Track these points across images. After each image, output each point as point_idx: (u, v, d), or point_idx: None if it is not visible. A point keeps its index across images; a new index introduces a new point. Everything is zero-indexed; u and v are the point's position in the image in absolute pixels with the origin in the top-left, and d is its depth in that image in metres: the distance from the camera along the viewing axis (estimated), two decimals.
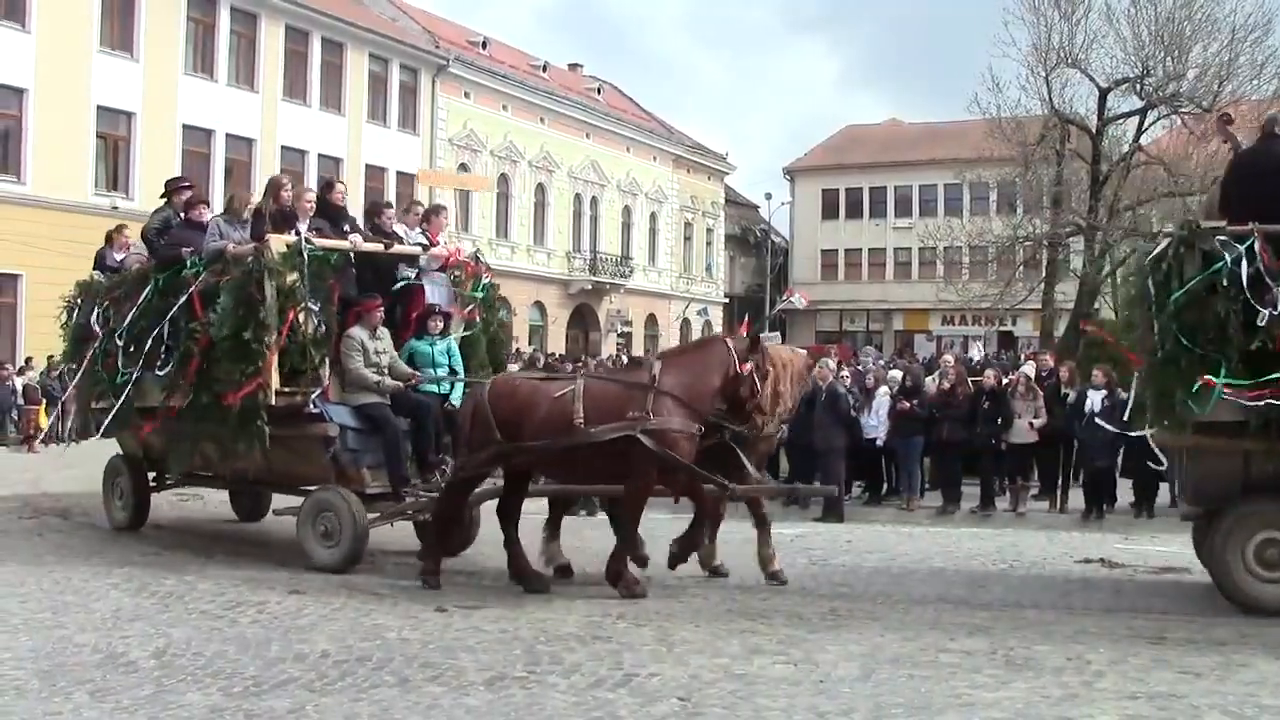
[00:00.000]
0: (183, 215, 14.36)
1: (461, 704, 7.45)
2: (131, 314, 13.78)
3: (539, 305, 55.31)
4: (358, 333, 12.63)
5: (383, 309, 12.96)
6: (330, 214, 13.59)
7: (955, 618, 10.02)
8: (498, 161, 52.44)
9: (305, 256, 12.48)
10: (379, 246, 13.39)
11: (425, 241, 13.91)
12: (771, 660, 8.55)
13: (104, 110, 36.39)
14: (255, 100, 41.32)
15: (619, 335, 59.64)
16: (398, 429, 12.56)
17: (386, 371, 12.65)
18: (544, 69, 58.12)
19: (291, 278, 12.34)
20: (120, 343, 13.87)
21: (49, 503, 17.73)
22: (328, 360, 12.62)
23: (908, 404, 19.79)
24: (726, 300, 70.72)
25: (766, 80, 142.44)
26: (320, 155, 43.62)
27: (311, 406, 12.42)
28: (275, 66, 42.04)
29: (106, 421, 14.26)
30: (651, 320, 63.95)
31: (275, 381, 12.28)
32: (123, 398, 13.76)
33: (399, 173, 46.93)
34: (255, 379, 12.11)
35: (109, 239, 16.16)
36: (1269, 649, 8.84)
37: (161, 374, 13.20)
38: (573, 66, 64.59)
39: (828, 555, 13.43)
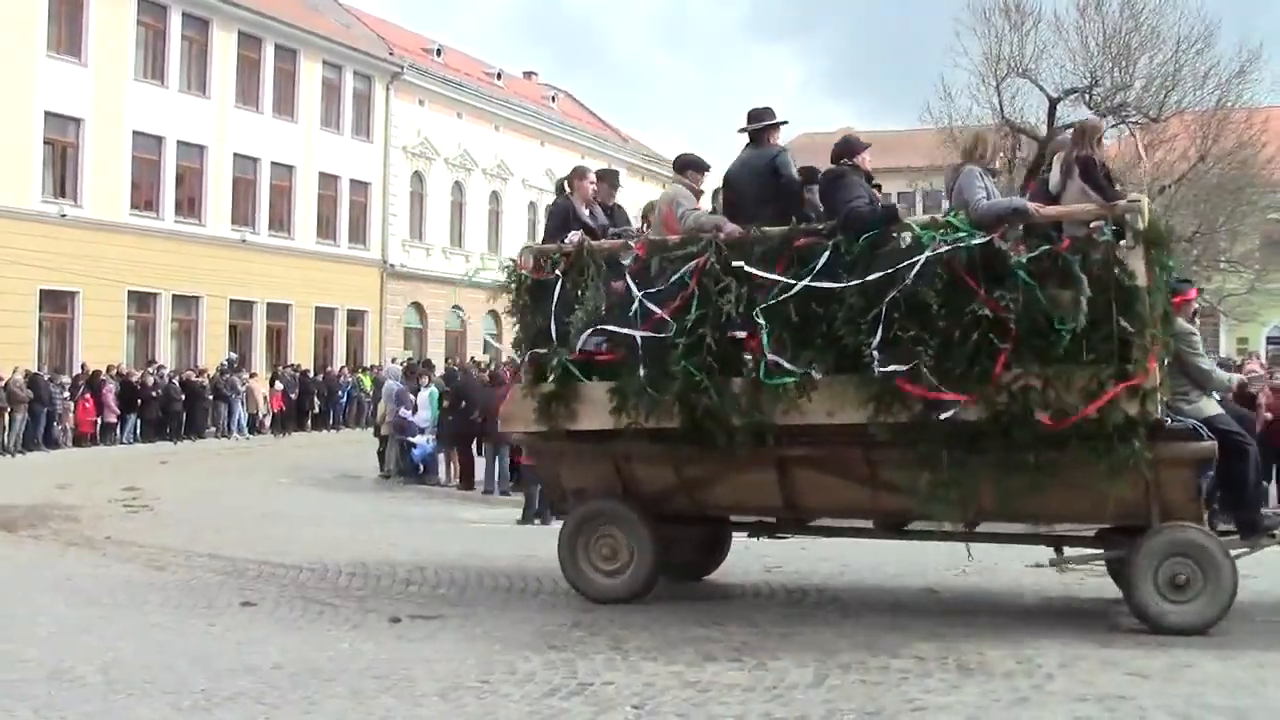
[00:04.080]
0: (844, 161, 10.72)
1: (415, 715, 7.45)
2: (775, 292, 10.02)
3: (493, 314, 55.10)
4: (1189, 325, 10.32)
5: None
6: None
7: (908, 623, 10.06)
8: (452, 169, 52.39)
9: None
10: None
11: None
12: (725, 667, 8.58)
13: (52, 116, 36.01)
14: (207, 107, 41.03)
15: None
16: (1257, 451, 10.19)
17: None
18: (498, 77, 58.07)
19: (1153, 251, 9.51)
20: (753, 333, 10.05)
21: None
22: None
23: None
24: None
25: (730, 88, 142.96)
26: (273, 163, 43.56)
27: (1170, 420, 9.73)
28: (227, 73, 41.81)
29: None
30: None
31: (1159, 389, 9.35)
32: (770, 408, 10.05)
33: (353, 180, 46.83)
34: (1129, 381, 9.15)
35: (563, 189, 12.37)
36: (1214, 649, 8.94)
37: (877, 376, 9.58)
38: (528, 74, 64.55)
39: (782, 562, 13.44)
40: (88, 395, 33.16)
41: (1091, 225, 9.63)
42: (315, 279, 44.57)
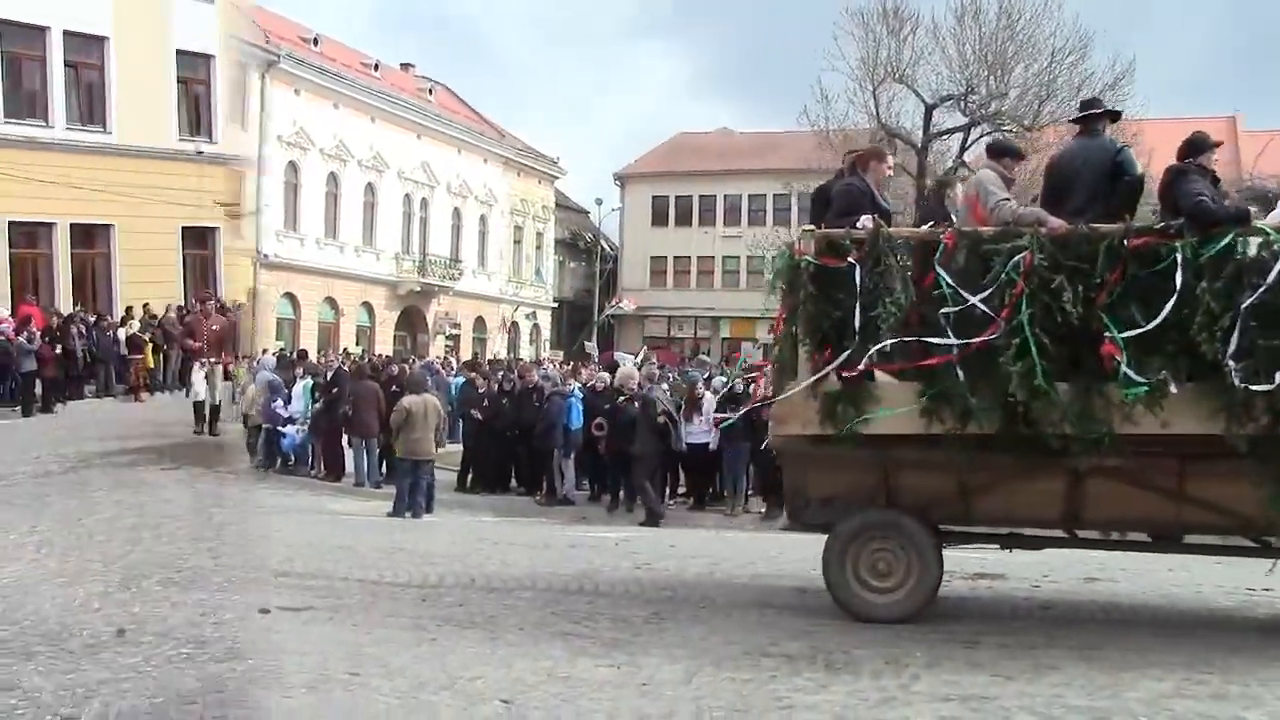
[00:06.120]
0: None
1: (283, 708, 7.34)
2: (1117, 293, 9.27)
3: (367, 306, 54.72)
4: None
5: None
6: None
7: (777, 622, 10.13)
8: (327, 160, 51.69)
9: None
10: None
11: None
12: (595, 663, 8.56)
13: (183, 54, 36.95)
14: None
15: (447, 338, 59.24)
16: None
17: None
18: (376, 68, 57.48)
19: None
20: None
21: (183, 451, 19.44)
22: None
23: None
24: (555, 304, 70.86)
25: (608, 85, 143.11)
26: None
27: None
28: None
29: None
30: (480, 323, 63.67)
31: None
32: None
33: None
34: None
35: (854, 169, 11.18)
36: (1076, 652, 9.10)
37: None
38: (405, 66, 63.97)
39: (651, 559, 13.50)
40: None
41: None
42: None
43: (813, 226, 10.39)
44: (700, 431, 20.97)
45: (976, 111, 36.19)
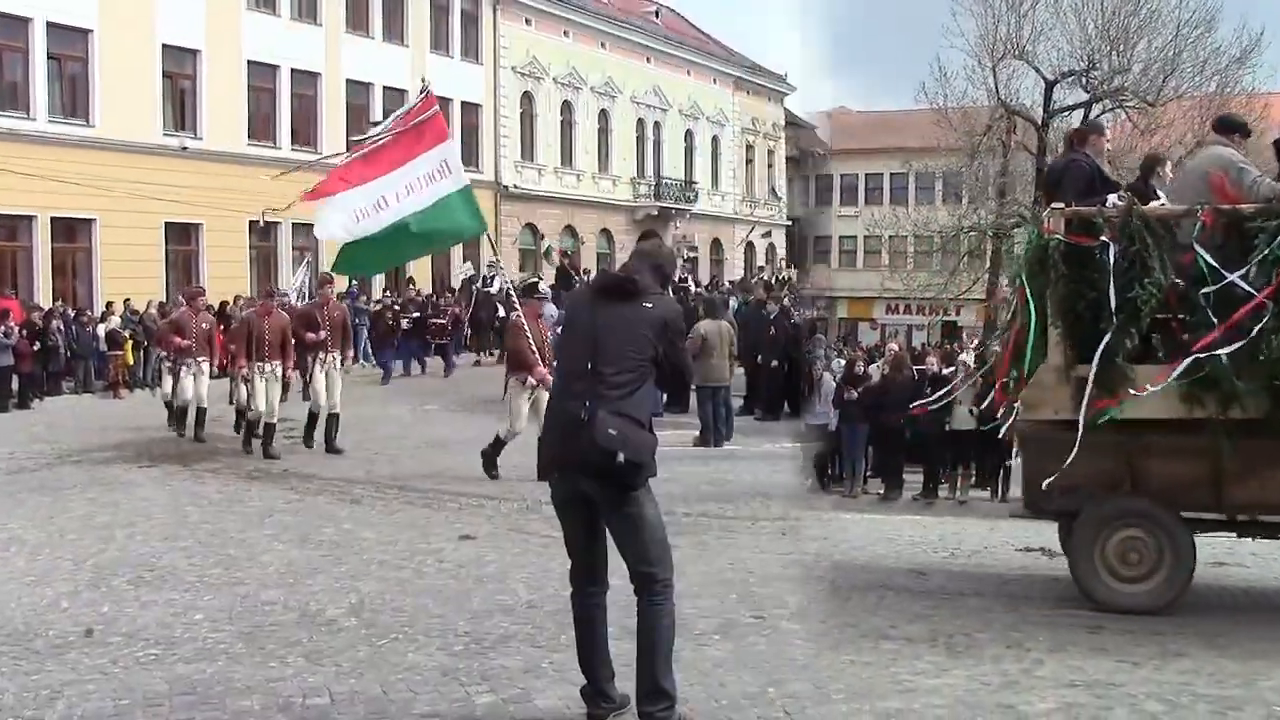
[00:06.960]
0: None
1: None
2: None
3: (606, 233, 55.62)
4: None
5: None
6: None
7: (897, 605, 10.00)
8: (560, 89, 52.97)
9: None
10: None
11: None
12: (711, 644, 8.53)
13: (169, 49, 37.13)
14: (318, 34, 41.94)
15: (685, 260, 59.62)
16: None
17: None
18: None
19: None
20: None
21: (160, 449, 18.67)
22: None
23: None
24: (790, 222, 70.76)
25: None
26: (385, 87, 43.82)
27: None
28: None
29: None
30: (716, 245, 64.55)
31: None
32: None
33: (464, 103, 47.49)
34: None
35: (1072, 143, 11.33)
36: (1204, 639, 8.89)
37: None
38: None
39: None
40: None
41: None
42: None
43: (1060, 205, 9.92)
44: (819, 412, 20.92)
45: (1098, 88, 35.62)
